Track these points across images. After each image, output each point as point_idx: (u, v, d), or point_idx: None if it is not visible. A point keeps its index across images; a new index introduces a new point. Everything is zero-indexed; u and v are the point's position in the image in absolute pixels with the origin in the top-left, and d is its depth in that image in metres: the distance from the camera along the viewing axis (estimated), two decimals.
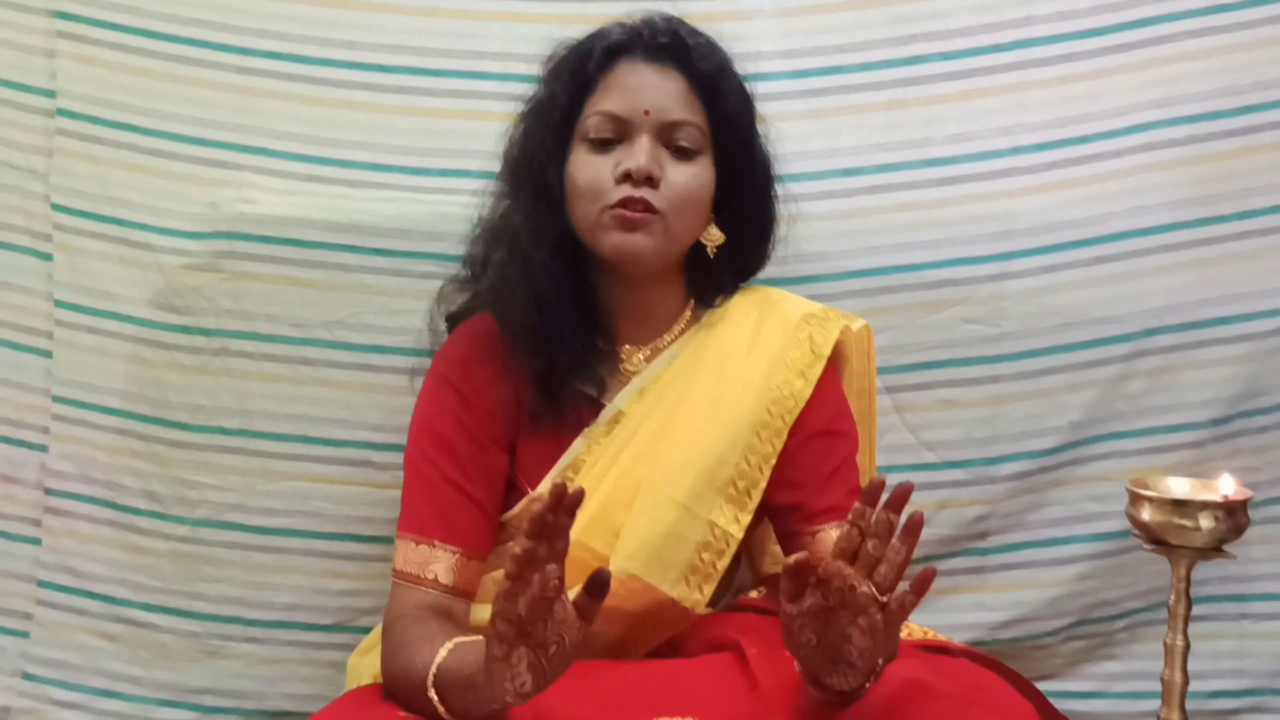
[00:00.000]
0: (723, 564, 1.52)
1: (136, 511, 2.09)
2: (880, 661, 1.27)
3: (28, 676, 2.10)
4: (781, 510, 1.58)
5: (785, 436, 1.54)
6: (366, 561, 2.07)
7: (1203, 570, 2.04)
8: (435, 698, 1.32)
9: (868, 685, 1.31)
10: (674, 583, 1.48)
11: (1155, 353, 2.04)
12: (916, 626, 1.73)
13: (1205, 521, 1.12)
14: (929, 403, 2.07)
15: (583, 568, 1.51)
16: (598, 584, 1.15)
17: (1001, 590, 2.10)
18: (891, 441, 2.10)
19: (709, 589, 1.47)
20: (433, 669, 1.33)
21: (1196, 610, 2.06)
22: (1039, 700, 1.45)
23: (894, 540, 1.18)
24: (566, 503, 1.19)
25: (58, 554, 2.10)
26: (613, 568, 1.50)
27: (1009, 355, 2.05)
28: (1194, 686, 2.07)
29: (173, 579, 2.09)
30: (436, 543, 1.53)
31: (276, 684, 2.09)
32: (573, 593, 1.43)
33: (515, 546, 1.15)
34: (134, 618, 2.10)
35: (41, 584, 2.10)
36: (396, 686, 1.44)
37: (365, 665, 1.67)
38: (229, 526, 2.08)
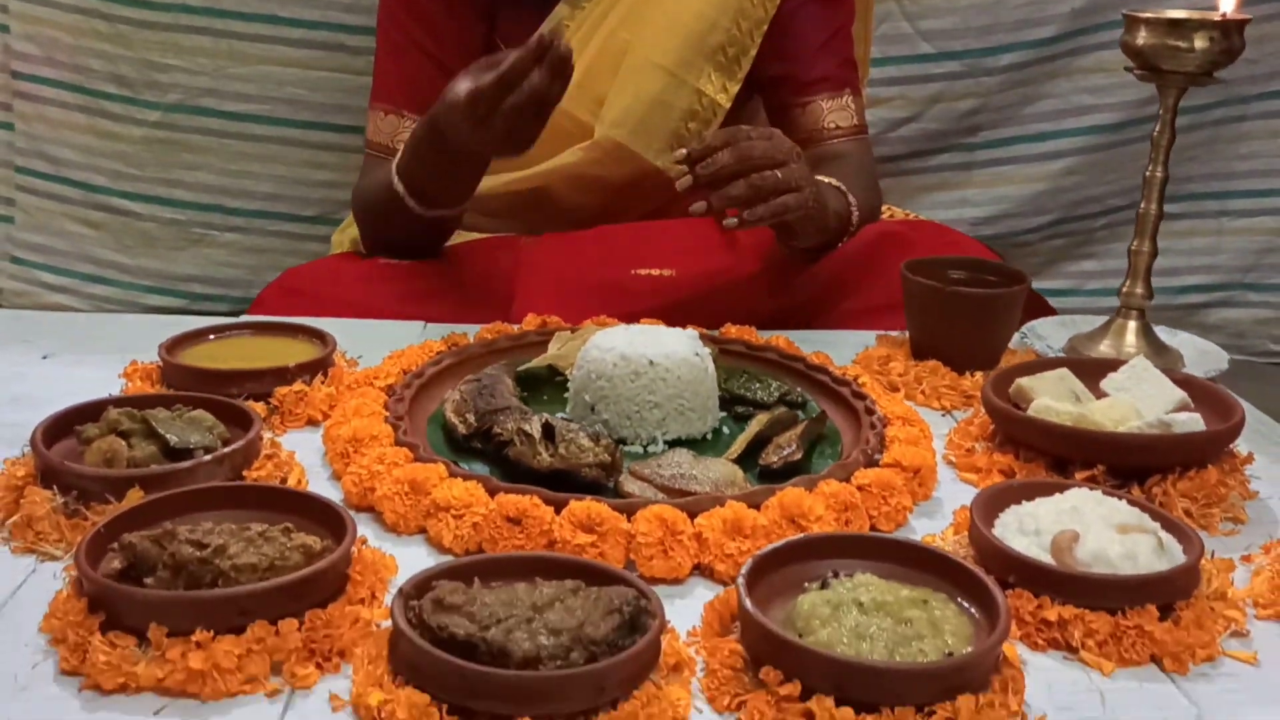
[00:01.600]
0: (707, 134, 1.49)
1: (106, 96, 2.05)
2: (832, 213, 1.34)
3: (16, 260, 2.14)
4: (772, 81, 1.54)
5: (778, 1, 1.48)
6: (345, 153, 2.05)
7: (1185, 168, 2.04)
8: (400, 186, 1.36)
9: (840, 243, 1.39)
10: (659, 152, 1.47)
11: None
12: (899, 210, 1.73)
13: (1200, 42, 1.08)
14: None
15: (565, 138, 1.49)
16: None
17: (986, 186, 2.10)
18: (888, 32, 2.04)
19: None
20: (394, 166, 1.38)
21: (1175, 209, 2.10)
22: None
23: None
24: (551, 57, 1.15)
25: (32, 140, 2.08)
26: (597, 135, 1.48)
27: None
28: (1164, 283, 2.12)
29: (150, 166, 2.08)
30: (405, 113, 1.50)
31: (262, 274, 2.11)
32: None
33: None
34: (114, 205, 2.11)
35: (19, 170, 2.10)
36: (368, 225, 1.49)
37: (346, 238, 1.68)
38: (202, 112, 2.05)
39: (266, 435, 0.96)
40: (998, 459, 1.00)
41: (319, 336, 1.15)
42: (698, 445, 1.02)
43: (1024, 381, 1.05)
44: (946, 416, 1.15)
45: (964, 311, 1.19)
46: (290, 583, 0.72)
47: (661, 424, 1.01)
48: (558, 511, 0.85)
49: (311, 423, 1.06)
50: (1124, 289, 1.28)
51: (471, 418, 0.98)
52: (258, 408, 1.03)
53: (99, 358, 1.17)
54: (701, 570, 0.84)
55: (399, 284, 1.44)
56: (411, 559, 0.83)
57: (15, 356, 1.20)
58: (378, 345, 1.18)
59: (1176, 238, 2.09)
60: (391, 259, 1.45)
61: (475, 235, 1.59)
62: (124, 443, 0.89)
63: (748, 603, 0.71)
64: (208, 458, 0.88)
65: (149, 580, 0.73)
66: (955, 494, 0.98)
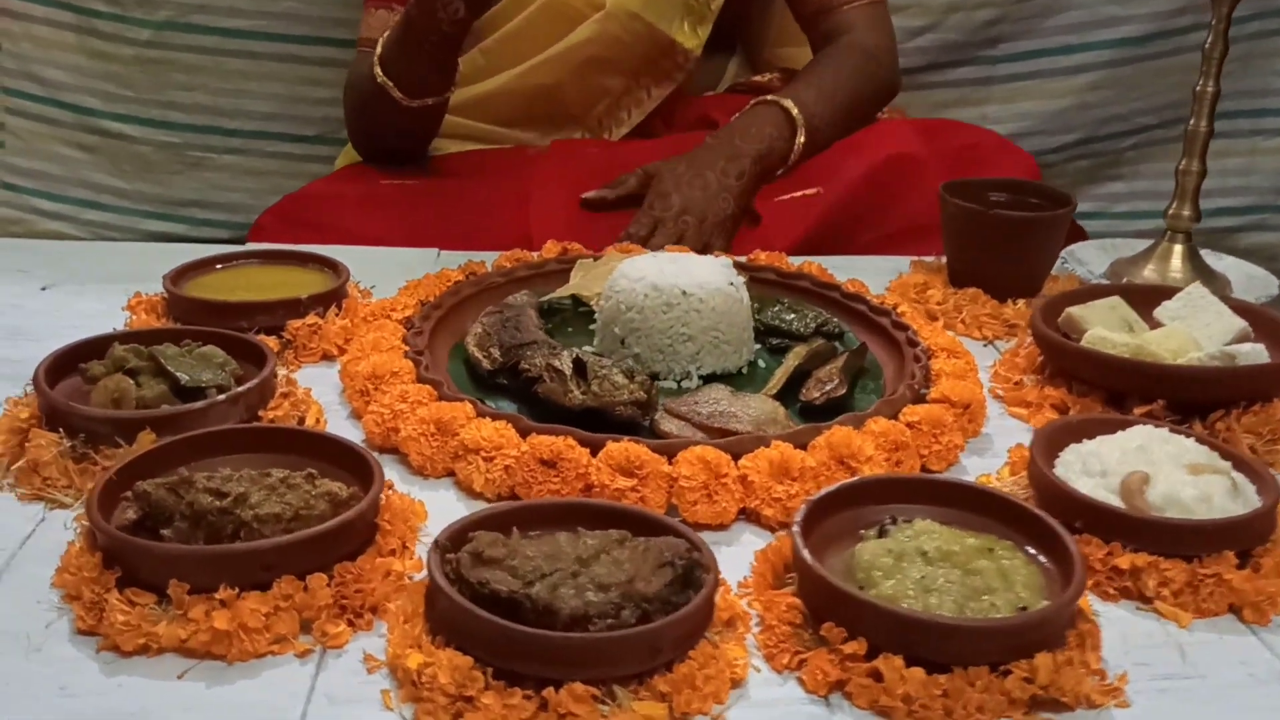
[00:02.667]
0: (716, 3, 1.48)
1: (96, 14, 1.96)
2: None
3: (8, 187, 2.07)
4: None
5: None
6: (345, 69, 1.97)
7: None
8: (382, 76, 1.35)
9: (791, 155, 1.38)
10: (671, 21, 1.45)
11: None
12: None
13: None
14: None
15: (576, 21, 1.44)
16: None
17: (1007, 102, 2.02)
18: None
19: (704, 31, 1.50)
20: (376, 54, 1.36)
21: None
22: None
23: None
24: None
25: (20, 60, 1.99)
26: (610, 7, 1.44)
27: None
28: None
29: (143, 87, 2.00)
30: (395, 5, 1.43)
31: (263, 197, 2.03)
32: None
33: None
34: (107, 128, 2.03)
35: (8, 92, 2.02)
36: (356, 122, 1.47)
37: (351, 157, 1.62)
38: (195, 29, 1.96)
39: (281, 372, 0.91)
40: (1049, 393, 0.95)
41: (331, 266, 1.10)
42: (733, 380, 0.97)
43: (1075, 311, 1.00)
44: (989, 347, 1.10)
45: (1006, 236, 1.13)
46: (318, 534, 0.67)
47: (695, 358, 0.96)
48: (594, 453, 0.80)
49: (326, 357, 1.01)
50: (1170, 211, 1.22)
51: (496, 352, 0.93)
52: (270, 342, 0.98)
53: (100, 288, 1.11)
54: (747, 515, 0.80)
55: (403, 206, 1.39)
56: (440, 505, 0.79)
57: (12, 288, 1.14)
58: (390, 274, 1.13)
59: (1209, 160, 2.02)
60: (383, 162, 1.43)
61: (480, 146, 1.53)
62: (132, 381, 0.84)
63: (806, 554, 0.67)
64: (221, 398, 0.83)
65: (166, 532, 0.69)
66: (1005, 430, 0.93)
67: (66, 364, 0.87)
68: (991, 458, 0.89)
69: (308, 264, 1.12)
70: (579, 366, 0.87)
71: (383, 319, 1.01)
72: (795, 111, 1.37)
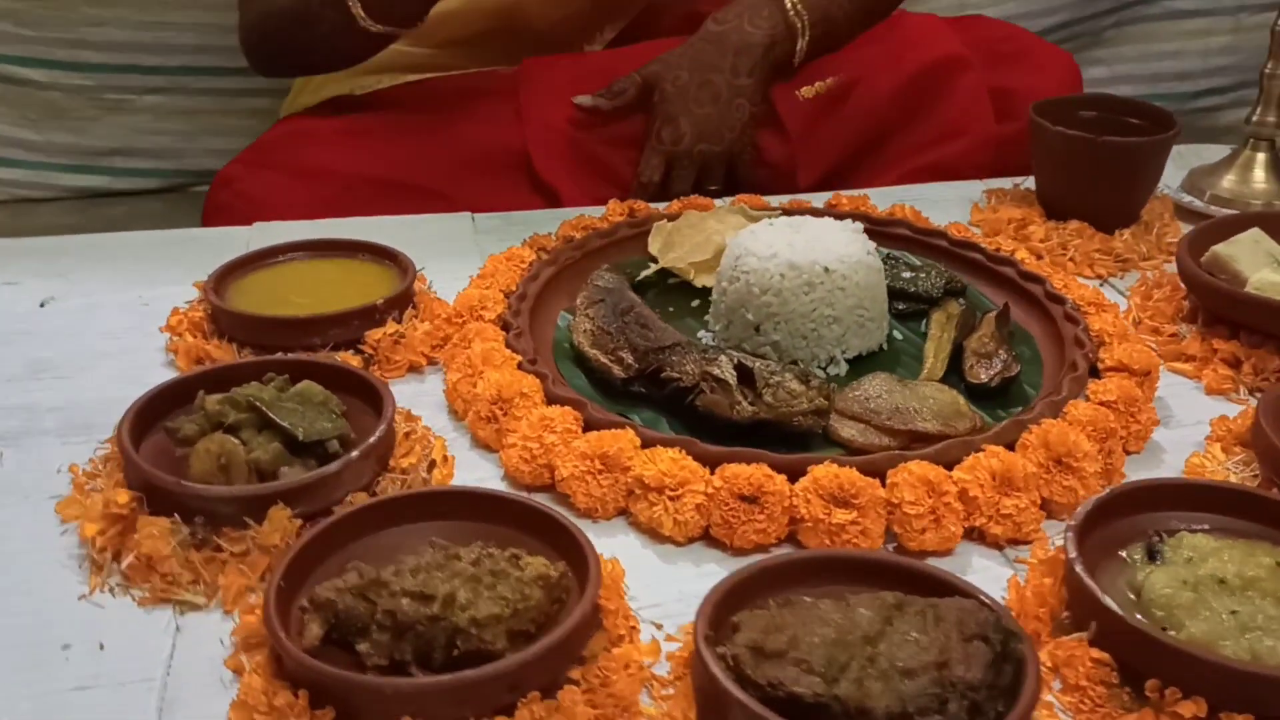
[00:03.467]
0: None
1: None
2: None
3: None
4: None
5: None
6: None
7: None
8: None
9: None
10: None
11: None
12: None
13: None
14: None
15: None
16: None
17: None
18: None
19: None
20: None
21: (1190, 4, 1.98)
22: None
23: None
24: None
25: None
26: None
27: None
28: (1177, 87, 2.04)
29: (48, 25, 1.77)
30: None
31: (196, 139, 1.85)
32: None
33: None
34: (9, 74, 1.80)
35: None
36: (276, 36, 1.22)
37: (299, 107, 1.45)
38: None
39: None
40: (1219, 345, 0.88)
41: (388, 256, 0.96)
42: (877, 360, 0.88)
43: (1221, 250, 0.93)
44: (1104, 286, 1.03)
45: (1116, 163, 1.05)
46: (564, 640, 0.57)
47: (841, 340, 0.87)
48: (792, 479, 0.71)
49: (413, 369, 0.89)
50: (1254, 117, 1.16)
51: (629, 358, 0.82)
52: (349, 359, 0.86)
53: (111, 296, 0.97)
54: (969, 535, 0.72)
55: (386, 139, 1.24)
56: (624, 553, 0.69)
57: (4, 304, 0.98)
58: (428, 245, 1.03)
59: (1191, 37, 1.98)
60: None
61: (438, 75, 1.37)
62: (237, 442, 0.71)
63: (1109, 602, 0.59)
64: (355, 454, 0.71)
65: (363, 647, 0.58)
66: (1176, 394, 0.87)
67: (144, 420, 0.74)
68: (1177, 428, 0.83)
69: (358, 254, 0.98)
70: (744, 374, 0.77)
71: (472, 320, 0.89)
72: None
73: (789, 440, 0.76)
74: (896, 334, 0.91)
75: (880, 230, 1.03)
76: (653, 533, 0.72)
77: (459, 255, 1.07)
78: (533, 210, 1.19)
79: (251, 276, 0.95)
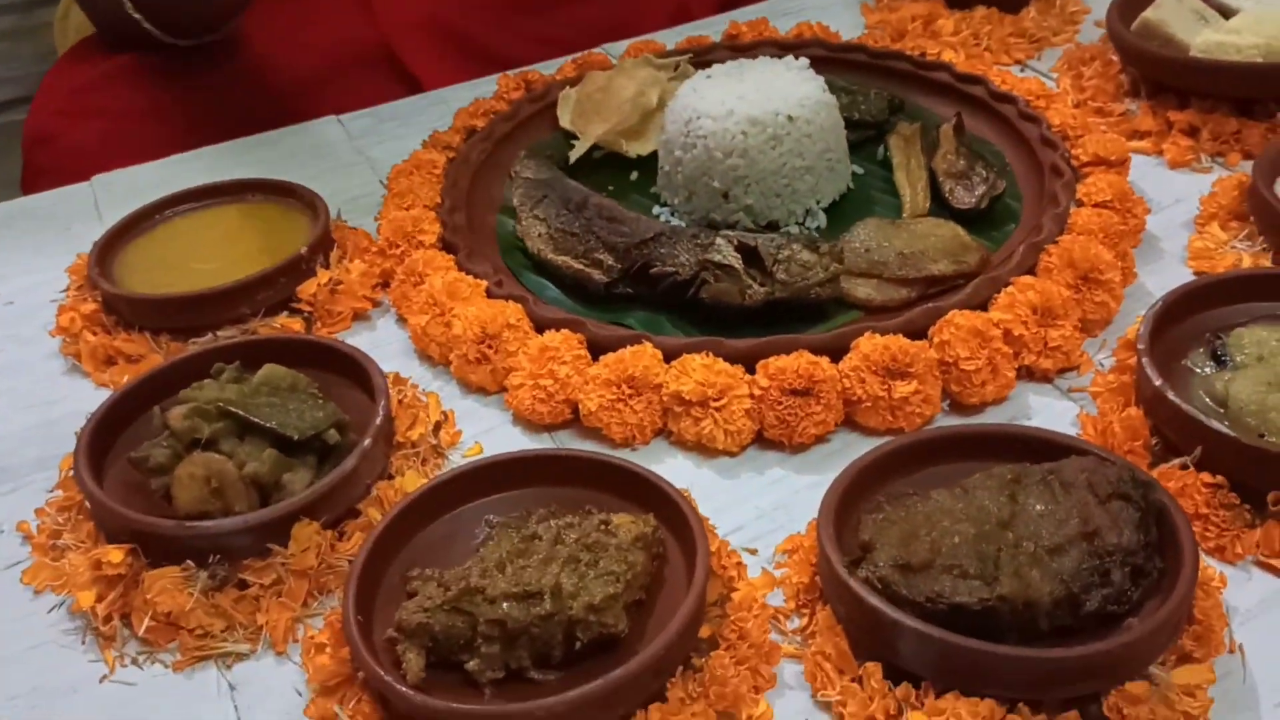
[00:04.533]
0: None
1: None
2: None
3: None
4: None
5: None
6: None
7: None
8: None
9: None
10: None
11: None
12: None
13: None
14: None
15: None
16: None
17: None
18: None
19: None
20: None
21: None
22: None
23: None
24: None
25: None
26: None
27: None
28: None
29: None
30: None
31: None
32: None
33: None
34: None
35: None
36: None
37: (70, 27, 1.27)
38: None
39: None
40: (1174, 117, 0.86)
41: (284, 191, 0.85)
42: (852, 205, 0.83)
43: (1150, 15, 0.91)
44: (1026, 71, 1.00)
45: None
46: (696, 608, 0.52)
47: (815, 190, 0.81)
48: (834, 359, 0.66)
49: (358, 318, 0.79)
50: None
51: (608, 258, 0.75)
52: (290, 324, 0.76)
53: None
54: (1018, 374, 0.69)
55: (214, 68, 1.10)
56: (688, 480, 0.63)
57: None
58: (298, 164, 0.94)
59: None
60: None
61: None
62: (222, 458, 0.61)
63: (1212, 423, 0.58)
64: (368, 442, 0.62)
65: (472, 665, 0.52)
66: (1142, 174, 0.85)
67: (97, 452, 0.64)
68: (1159, 211, 0.81)
69: (246, 195, 0.86)
70: (748, 253, 0.71)
71: (410, 249, 0.79)
72: None
73: (803, 315, 0.71)
74: (857, 169, 0.86)
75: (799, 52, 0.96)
76: (701, 448, 0.66)
77: (344, 169, 0.96)
78: (395, 101, 1.07)
79: (134, 246, 0.82)
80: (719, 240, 0.72)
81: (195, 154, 1.00)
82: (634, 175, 0.88)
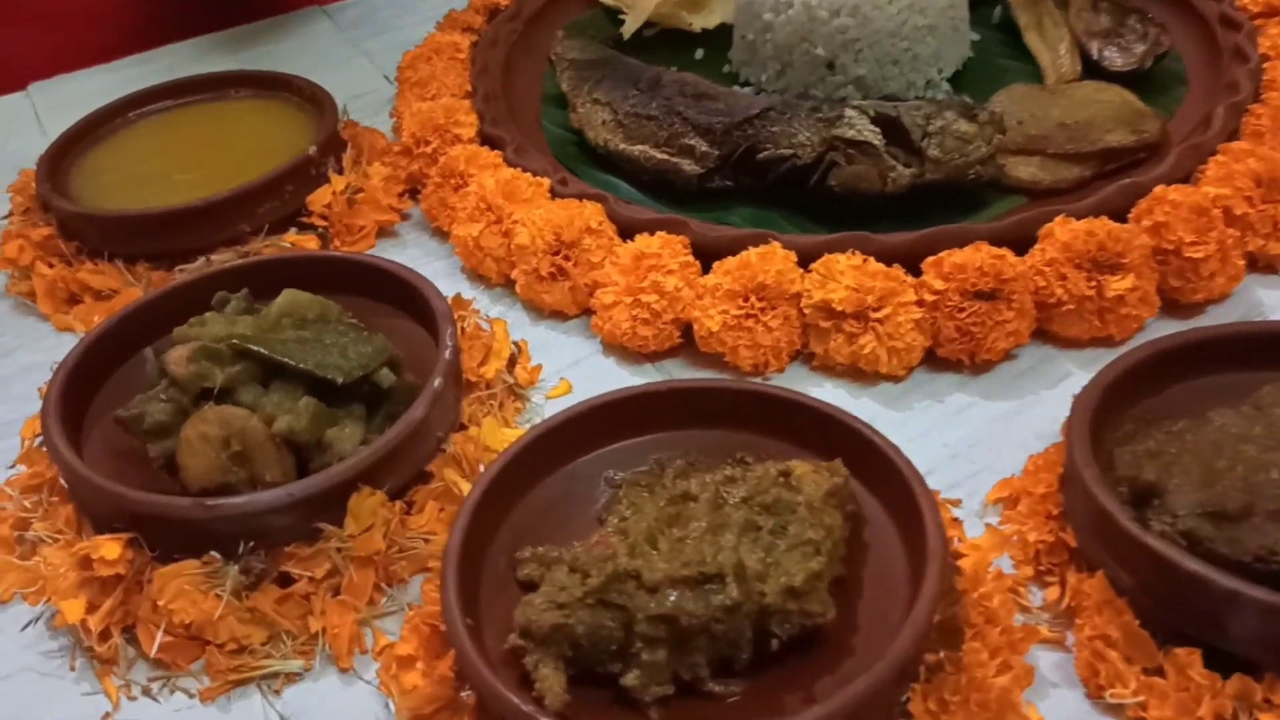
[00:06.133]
0: None
1: None
2: None
3: None
4: None
5: None
6: None
7: None
8: None
9: None
10: None
11: None
12: None
13: None
14: None
15: None
16: None
17: None
18: None
19: None
20: None
21: None
22: None
23: None
24: None
25: None
26: None
27: None
28: None
29: None
30: None
31: None
32: None
33: None
34: None
35: None
36: None
37: None
38: None
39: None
40: None
41: (276, 84, 0.69)
42: (976, 77, 0.68)
43: None
44: None
45: None
46: (937, 596, 0.38)
47: (938, 56, 0.66)
48: (1018, 251, 0.52)
49: (384, 233, 0.64)
50: None
51: (701, 144, 0.60)
52: (301, 241, 0.60)
53: None
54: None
55: None
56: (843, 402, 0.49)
57: None
58: (287, 58, 0.79)
59: None
60: None
61: None
62: (244, 411, 0.46)
63: None
64: (437, 383, 0.47)
65: (631, 679, 0.37)
66: None
67: (73, 408, 0.48)
68: None
69: (230, 91, 0.70)
70: (888, 126, 0.56)
71: (444, 146, 0.64)
72: None
73: (953, 203, 0.57)
74: (974, 33, 0.71)
75: None
76: (855, 373, 0.52)
77: (338, 65, 0.80)
78: None
79: (93, 156, 0.66)
80: (849, 112, 0.57)
81: (152, 54, 0.84)
82: (699, 53, 0.73)
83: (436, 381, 0.46)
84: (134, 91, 0.68)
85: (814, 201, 0.58)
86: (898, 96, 0.65)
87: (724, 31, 0.73)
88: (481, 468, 0.46)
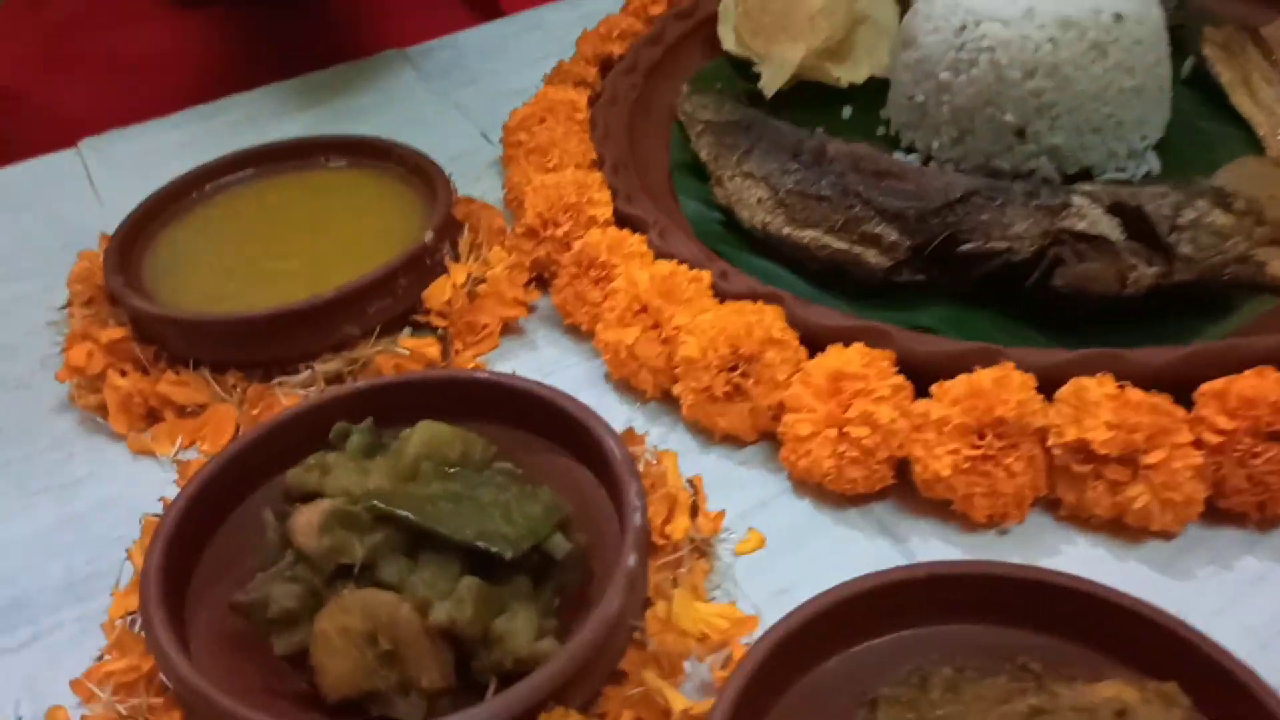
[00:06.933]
0: None
1: None
2: None
3: None
4: None
5: None
6: None
7: None
8: None
9: None
10: None
11: None
12: None
13: None
14: None
15: None
16: None
17: None
18: None
19: None
20: None
21: None
22: None
23: None
24: None
25: None
26: None
27: None
28: None
29: None
30: None
31: None
32: None
33: None
34: None
35: None
36: None
37: None
38: None
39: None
40: None
41: (380, 154, 0.60)
42: (1179, 147, 0.60)
43: None
44: None
45: None
46: None
47: (1142, 122, 0.57)
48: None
49: (508, 330, 0.55)
50: None
51: (891, 233, 0.51)
52: (421, 346, 0.51)
53: None
54: None
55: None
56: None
57: None
58: (364, 114, 0.72)
59: None
60: None
61: None
62: (391, 598, 0.37)
63: None
64: (631, 561, 0.38)
65: None
66: None
67: (172, 588, 0.39)
68: None
69: (320, 159, 0.61)
70: (1130, 217, 0.47)
71: (577, 229, 0.55)
72: None
73: (1197, 305, 0.48)
74: None
75: None
76: (1115, 526, 0.43)
77: (426, 120, 0.71)
78: (474, 28, 0.82)
79: (168, 238, 0.57)
80: (1077, 200, 0.48)
81: (215, 106, 0.75)
82: (847, 111, 0.64)
83: (631, 560, 0.37)
84: (211, 161, 0.59)
85: (1024, 302, 0.49)
86: (1095, 169, 0.57)
87: (872, 85, 0.64)
88: (687, 666, 0.37)
